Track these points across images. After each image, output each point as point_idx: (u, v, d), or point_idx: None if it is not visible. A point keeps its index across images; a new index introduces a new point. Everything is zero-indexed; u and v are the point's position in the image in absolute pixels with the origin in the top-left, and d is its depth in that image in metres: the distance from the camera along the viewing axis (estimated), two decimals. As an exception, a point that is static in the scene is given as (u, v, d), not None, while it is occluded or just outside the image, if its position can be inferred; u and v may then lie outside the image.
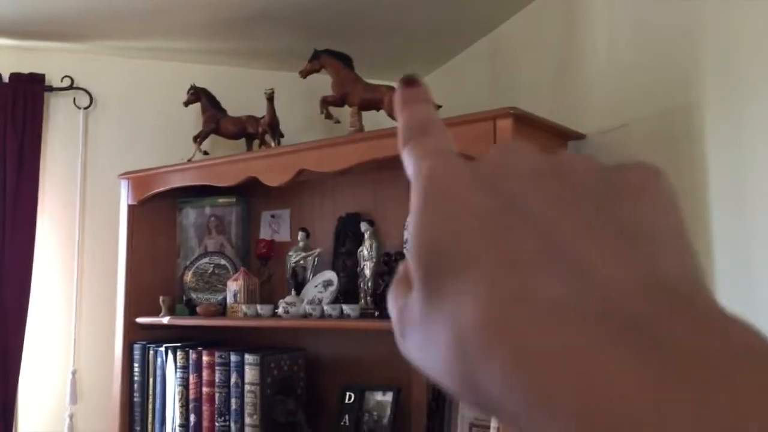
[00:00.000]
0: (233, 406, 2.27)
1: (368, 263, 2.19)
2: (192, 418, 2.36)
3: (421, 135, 0.27)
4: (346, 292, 2.26)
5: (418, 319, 0.23)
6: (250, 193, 2.65)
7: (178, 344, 2.46)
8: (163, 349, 2.47)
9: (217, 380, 2.31)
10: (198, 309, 2.47)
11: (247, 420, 2.23)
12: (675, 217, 0.23)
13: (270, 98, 2.50)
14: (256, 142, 2.60)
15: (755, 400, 0.16)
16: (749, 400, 0.16)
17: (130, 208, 2.58)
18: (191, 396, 2.37)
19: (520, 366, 0.19)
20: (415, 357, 0.23)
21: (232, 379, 2.28)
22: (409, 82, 0.31)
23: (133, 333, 2.53)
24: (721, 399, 0.16)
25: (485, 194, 0.23)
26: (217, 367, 2.32)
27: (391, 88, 2.27)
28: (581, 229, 0.21)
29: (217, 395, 2.31)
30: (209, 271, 2.59)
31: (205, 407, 2.34)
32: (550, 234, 0.21)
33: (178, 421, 2.38)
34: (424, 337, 0.22)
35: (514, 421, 0.19)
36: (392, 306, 0.25)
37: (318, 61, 2.35)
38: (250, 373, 2.24)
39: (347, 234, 2.37)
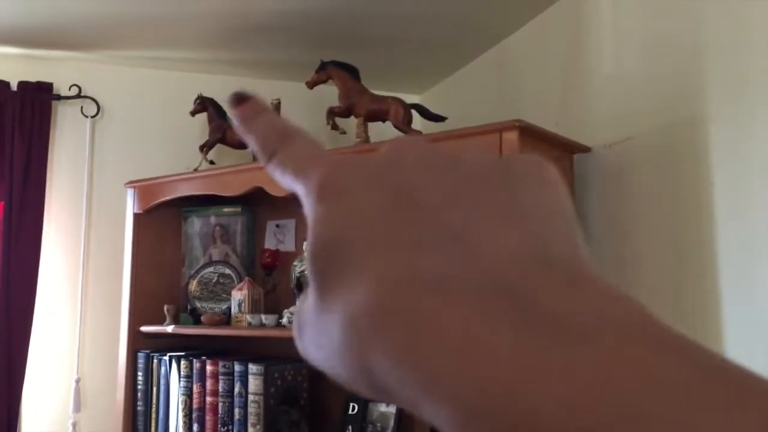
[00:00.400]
0: (237, 416, 2.27)
1: (373, 274, 2.19)
2: (195, 427, 2.36)
3: (283, 145, 0.27)
4: (351, 303, 2.25)
5: (312, 317, 0.23)
6: (255, 203, 2.66)
7: (182, 353, 2.46)
8: (167, 358, 2.47)
9: (220, 390, 2.31)
10: (202, 318, 2.48)
11: (251, 430, 2.23)
12: (558, 199, 0.24)
13: (276, 108, 2.50)
14: (262, 152, 2.60)
15: (626, 369, 0.17)
16: (620, 368, 0.17)
17: (136, 216, 2.58)
18: (195, 405, 2.37)
19: (407, 348, 0.19)
20: (311, 354, 0.23)
21: (236, 389, 2.28)
22: (238, 99, 0.29)
23: (137, 341, 2.54)
24: (586, 359, 0.17)
25: (375, 186, 0.23)
26: (220, 377, 2.32)
27: (398, 100, 2.28)
28: (467, 212, 0.22)
29: (220, 405, 2.31)
30: (214, 281, 2.60)
31: (208, 417, 2.33)
32: (440, 217, 0.22)
33: (181, 430, 2.38)
34: (318, 330, 0.22)
35: (410, 406, 0.19)
36: (296, 312, 0.25)
37: (325, 72, 2.36)
38: (254, 383, 2.24)
39: (352, 244, 2.37)
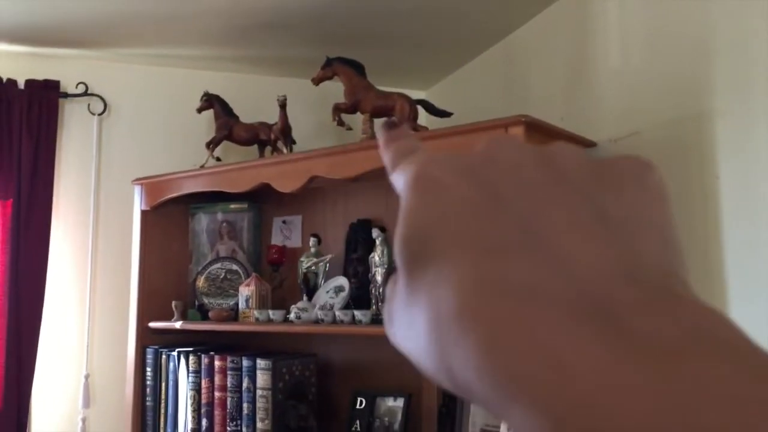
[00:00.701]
0: (245, 411, 2.28)
1: (380, 269, 2.20)
2: (204, 422, 2.37)
3: (407, 158, 0.28)
4: (358, 298, 2.27)
5: (402, 305, 0.23)
6: (262, 200, 2.67)
7: (191, 349, 2.47)
8: (175, 353, 2.49)
9: (229, 385, 2.33)
10: (210, 314, 2.49)
11: (259, 425, 2.24)
12: (661, 209, 0.23)
13: (282, 105, 2.51)
14: (269, 148, 2.62)
15: (712, 389, 0.16)
16: (706, 388, 0.16)
17: (143, 213, 2.60)
18: (203, 400, 2.38)
19: (490, 350, 0.19)
20: (399, 341, 0.24)
21: (244, 384, 2.30)
22: (391, 125, 0.32)
23: (145, 337, 2.55)
24: (676, 379, 0.17)
25: (467, 183, 0.23)
26: (229, 372, 2.33)
27: (403, 96, 2.28)
28: (561, 218, 0.22)
29: (229, 400, 2.32)
30: (221, 277, 2.61)
31: (217, 411, 2.35)
32: (530, 221, 0.22)
33: (190, 425, 2.40)
34: (406, 321, 0.23)
35: (485, 404, 0.20)
36: (386, 298, 0.26)
37: (330, 68, 2.37)
38: (262, 378, 2.26)
39: (359, 240, 2.38)
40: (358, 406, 2.23)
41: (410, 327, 0.22)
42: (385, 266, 2.20)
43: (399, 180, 0.27)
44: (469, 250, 0.21)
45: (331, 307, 2.24)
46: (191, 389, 2.41)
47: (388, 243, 2.25)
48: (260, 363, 2.27)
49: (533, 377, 0.18)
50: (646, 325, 0.18)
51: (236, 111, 2.71)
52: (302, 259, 2.42)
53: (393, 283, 0.25)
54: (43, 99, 2.71)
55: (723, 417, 0.16)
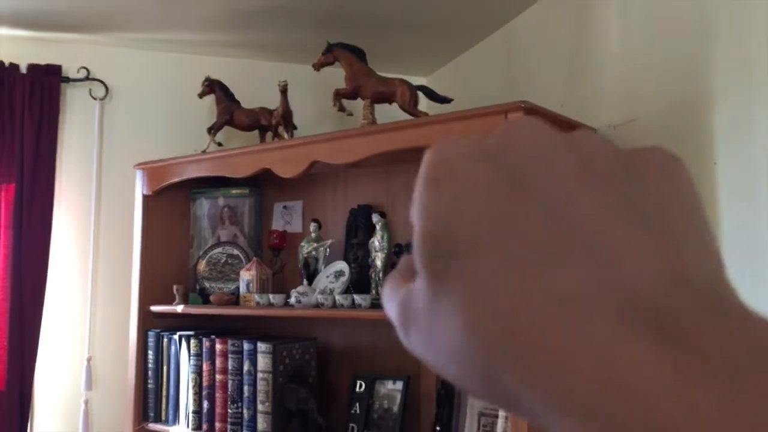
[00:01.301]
0: (246, 394, 2.31)
1: (379, 254, 2.22)
2: (205, 404, 2.40)
3: None
4: (358, 283, 2.28)
5: (423, 307, 0.21)
6: (263, 185, 2.69)
7: (192, 332, 2.49)
8: (176, 336, 2.51)
9: (230, 368, 2.35)
10: (211, 298, 2.51)
11: (260, 407, 2.27)
12: (697, 207, 0.22)
13: (283, 90, 2.52)
14: (270, 134, 2.63)
15: None
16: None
17: (145, 198, 2.61)
18: (204, 383, 2.41)
19: (539, 360, 0.18)
20: (420, 347, 0.22)
21: (245, 367, 2.32)
22: None
23: (147, 321, 2.57)
24: (744, 398, 0.16)
25: (491, 168, 0.22)
26: (230, 355, 2.35)
27: (404, 82, 2.29)
28: (597, 211, 0.20)
29: (230, 383, 2.34)
30: (222, 261, 2.63)
31: (218, 394, 2.37)
32: (568, 216, 0.20)
33: (191, 407, 2.42)
34: (430, 326, 0.21)
35: (530, 415, 0.19)
36: (390, 298, 0.24)
37: (331, 54, 2.37)
38: (263, 362, 2.28)
39: (359, 225, 2.40)
40: (357, 389, 2.25)
41: (437, 330, 0.21)
42: (385, 251, 2.22)
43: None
44: (502, 248, 0.20)
45: (331, 291, 2.25)
46: (192, 372, 2.44)
47: (387, 228, 2.27)
48: (261, 346, 2.29)
49: (589, 390, 0.17)
50: (705, 337, 0.17)
51: (237, 96, 2.71)
52: (303, 244, 2.44)
53: (399, 284, 0.23)
54: (45, 83, 2.72)
55: None
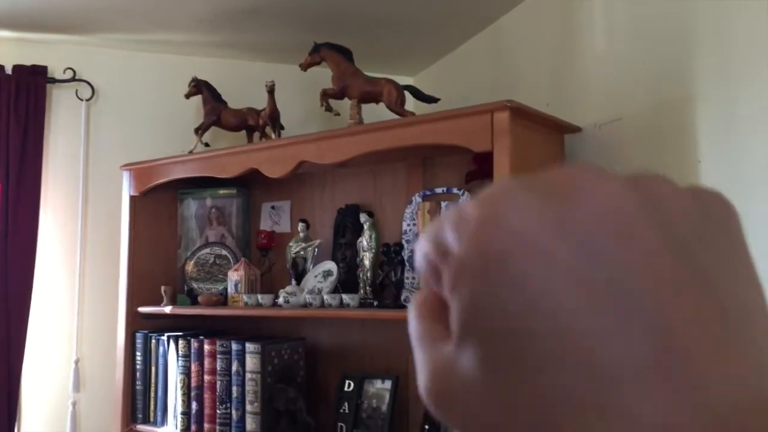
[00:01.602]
0: (234, 394, 2.31)
1: (367, 254, 2.23)
2: (194, 405, 2.40)
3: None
4: (346, 282, 2.29)
5: (473, 396, 0.20)
6: (250, 185, 2.69)
7: (180, 333, 2.49)
8: (165, 337, 2.51)
9: (218, 368, 2.35)
10: (199, 299, 2.51)
11: (248, 407, 2.27)
12: (756, 277, 0.20)
13: (271, 91, 2.52)
14: (257, 134, 2.63)
15: None
16: None
17: (132, 199, 2.61)
18: (193, 384, 2.41)
19: None
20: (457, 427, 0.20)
21: (233, 368, 2.32)
22: None
23: (135, 322, 2.57)
24: None
25: (568, 252, 0.18)
26: (218, 356, 2.35)
27: (391, 81, 2.30)
28: (687, 312, 0.18)
29: (218, 383, 2.34)
30: (210, 262, 2.63)
31: (206, 395, 2.37)
32: (654, 324, 0.18)
33: (180, 408, 2.42)
34: (483, 417, 0.19)
35: None
36: (422, 345, 0.21)
37: (318, 54, 2.38)
38: (251, 362, 2.28)
39: (347, 225, 2.40)
40: (346, 389, 2.26)
41: (497, 414, 0.19)
42: (373, 251, 2.23)
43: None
44: (585, 365, 0.18)
45: (320, 291, 2.26)
46: (181, 373, 2.43)
47: (375, 228, 2.27)
48: (249, 347, 2.29)
49: None
50: None
51: (224, 96, 2.71)
52: (291, 244, 2.44)
53: (433, 336, 0.20)
54: (31, 84, 2.71)
55: None
